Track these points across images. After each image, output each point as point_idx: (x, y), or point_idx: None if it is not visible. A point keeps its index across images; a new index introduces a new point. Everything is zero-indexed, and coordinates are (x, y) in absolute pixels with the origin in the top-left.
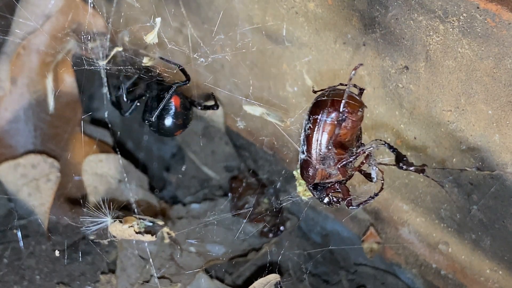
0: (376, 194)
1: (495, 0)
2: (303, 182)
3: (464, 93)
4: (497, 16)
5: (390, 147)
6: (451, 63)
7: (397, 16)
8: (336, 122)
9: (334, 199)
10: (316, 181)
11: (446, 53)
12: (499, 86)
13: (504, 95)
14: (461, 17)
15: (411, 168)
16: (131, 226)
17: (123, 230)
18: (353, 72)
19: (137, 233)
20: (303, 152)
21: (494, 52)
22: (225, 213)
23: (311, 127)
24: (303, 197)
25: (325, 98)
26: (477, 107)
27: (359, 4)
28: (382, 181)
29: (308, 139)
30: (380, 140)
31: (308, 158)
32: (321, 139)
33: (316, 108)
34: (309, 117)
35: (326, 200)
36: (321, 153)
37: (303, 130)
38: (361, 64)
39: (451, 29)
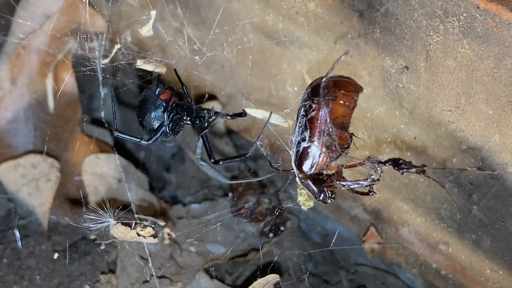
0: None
1: (495, 0)
2: (304, 192)
3: (464, 93)
4: (497, 16)
5: (383, 162)
6: (451, 63)
7: (397, 16)
8: (341, 101)
9: (329, 194)
10: (315, 170)
11: (446, 53)
12: (499, 86)
13: (504, 95)
14: (461, 17)
15: (412, 170)
16: (134, 228)
17: (125, 232)
18: (342, 56)
19: (139, 235)
20: (303, 140)
21: (494, 52)
22: (225, 213)
23: (316, 108)
24: (303, 207)
25: (327, 79)
26: (477, 107)
27: (359, 4)
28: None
29: (312, 122)
30: (371, 157)
31: (311, 144)
32: (327, 119)
33: (319, 89)
34: (312, 99)
35: (322, 196)
36: (326, 135)
37: (302, 116)
38: (347, 53)
39: (451, 29)
